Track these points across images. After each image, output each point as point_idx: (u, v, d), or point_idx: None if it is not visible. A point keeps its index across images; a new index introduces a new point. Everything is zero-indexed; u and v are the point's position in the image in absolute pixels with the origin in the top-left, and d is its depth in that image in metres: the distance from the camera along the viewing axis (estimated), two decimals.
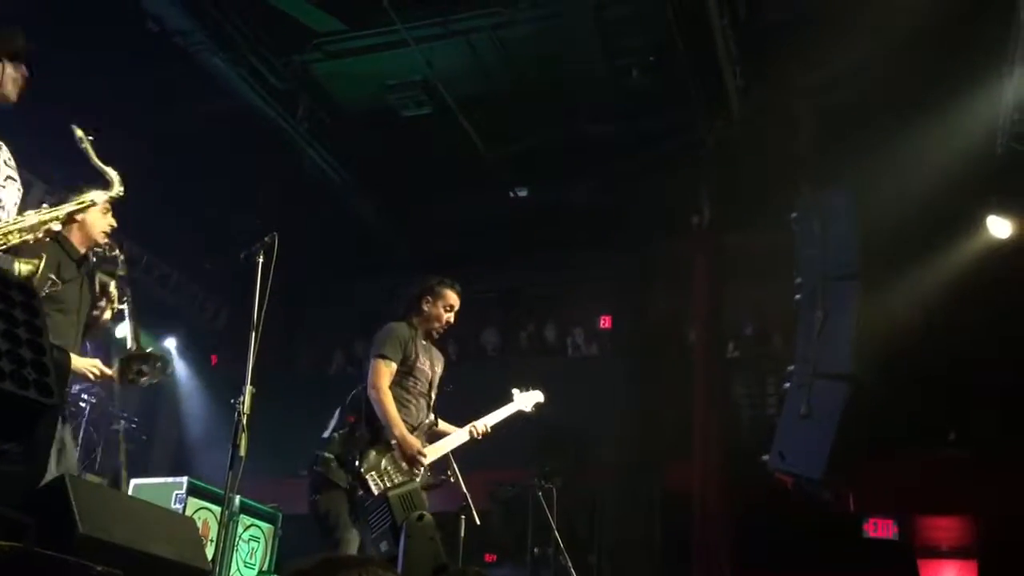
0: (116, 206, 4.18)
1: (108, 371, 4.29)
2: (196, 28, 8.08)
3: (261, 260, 4.42)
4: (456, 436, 5.17)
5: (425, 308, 5.12)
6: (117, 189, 3.94)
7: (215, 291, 11.99)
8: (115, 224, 4.37)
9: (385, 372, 4.85)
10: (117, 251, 4.43)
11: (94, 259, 4.41)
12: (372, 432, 4.89)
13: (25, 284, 2.84)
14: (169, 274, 11.40)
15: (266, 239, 4.49)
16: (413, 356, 5.00)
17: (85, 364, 4.27)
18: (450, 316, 5.16)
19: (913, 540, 8.92)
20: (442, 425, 5.19)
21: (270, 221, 4.79)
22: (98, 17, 7.98)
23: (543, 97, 9.36)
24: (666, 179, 10.09)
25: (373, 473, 4.74)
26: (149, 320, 11.25)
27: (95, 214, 4.24)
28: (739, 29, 8.16)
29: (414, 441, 4.84)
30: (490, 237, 11.26)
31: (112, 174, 3.94)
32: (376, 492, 4.66)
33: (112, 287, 4.41)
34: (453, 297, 5.15)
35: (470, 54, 8.71)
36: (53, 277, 4.05)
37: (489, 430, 5.23)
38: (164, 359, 4.37)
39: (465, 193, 10.95)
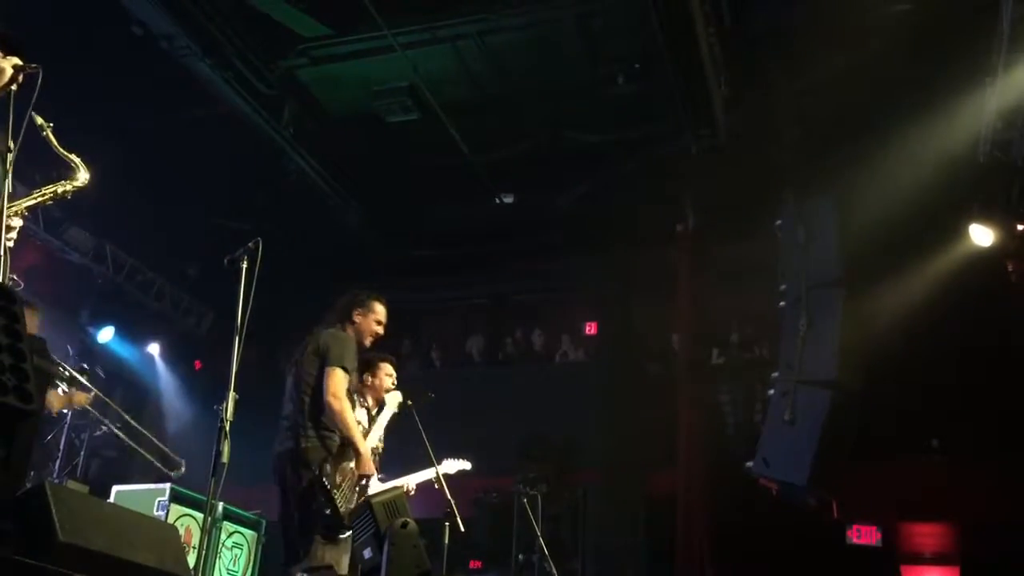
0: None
1: None
2: (181, 32, 8.02)
3: (245, 266, 4.40)
4: None
5: (356, 319, 5.12)
6: (83, 177, 3.75)
7: (198, 297, 11.93)
8: None
9: (344, 383, 4.83)
10: None
11: None
12: (322, 440, 4.81)
13: (5, 289, 2.80)
14: (152, 280, 11.34)
15: (250, 244, 4.45)
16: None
17: None
18: (379, 329, 5.16)
19: (896, 547, 8.95)
20: None
21: (254, 226, 4.74)
22: (82, 20, 7.93)
23: (529, 104, 9.37)
24: (651, 186, 10.11)
25: (336, 492, 4.71)
26: (132, 325, 11.32)
27: None
28: (724, 38, 8.19)
29: (372, 465, 4.83)
30: (476, 244, 11.25)
31: (77, 161, 3.76)
32: (340, 507, 4.64)
33: None
34: (381, 310, 5.17)
35: (456, 60, 8.71)
36: None
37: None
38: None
39: (451, 199, 10.93)
